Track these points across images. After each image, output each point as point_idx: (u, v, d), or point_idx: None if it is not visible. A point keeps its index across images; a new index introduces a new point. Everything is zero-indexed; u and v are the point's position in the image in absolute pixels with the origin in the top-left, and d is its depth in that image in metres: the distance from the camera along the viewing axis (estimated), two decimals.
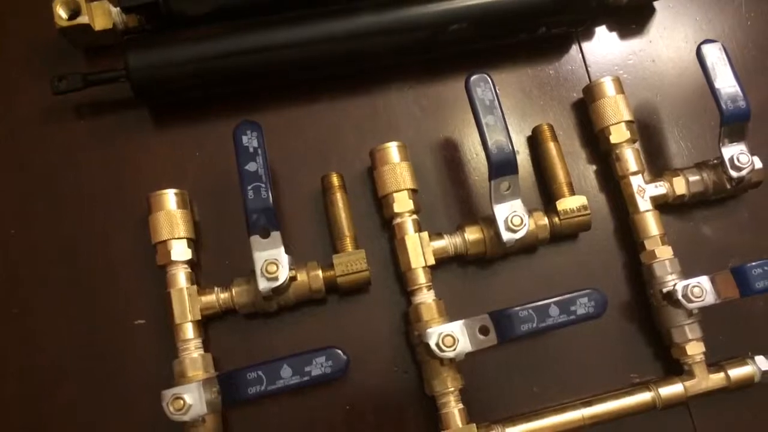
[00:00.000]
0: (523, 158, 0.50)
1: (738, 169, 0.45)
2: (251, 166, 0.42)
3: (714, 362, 0.45)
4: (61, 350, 0.45)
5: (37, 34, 0.50)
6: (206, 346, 0.44)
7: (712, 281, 0.42)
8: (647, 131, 0.51)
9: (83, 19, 0.46)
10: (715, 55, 0.45)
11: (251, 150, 0.42)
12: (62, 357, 0.45)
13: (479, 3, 0.47)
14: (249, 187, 0.42)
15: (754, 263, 0.41)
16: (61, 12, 0.46)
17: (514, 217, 0.43)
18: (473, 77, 0.43)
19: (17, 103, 0.49)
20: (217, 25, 0.47)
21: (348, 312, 0.47)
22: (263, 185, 0.42)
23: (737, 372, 0.44)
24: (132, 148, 0.49)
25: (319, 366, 0.38)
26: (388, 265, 0.48)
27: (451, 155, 0.50)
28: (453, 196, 0.49)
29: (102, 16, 0.47)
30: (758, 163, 0.46)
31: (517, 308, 0.40)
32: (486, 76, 0.43)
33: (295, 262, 0.45)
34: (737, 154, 0.45)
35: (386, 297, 0.47)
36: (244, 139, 0.43)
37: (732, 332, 0.47)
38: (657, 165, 0.50)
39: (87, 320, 0.46)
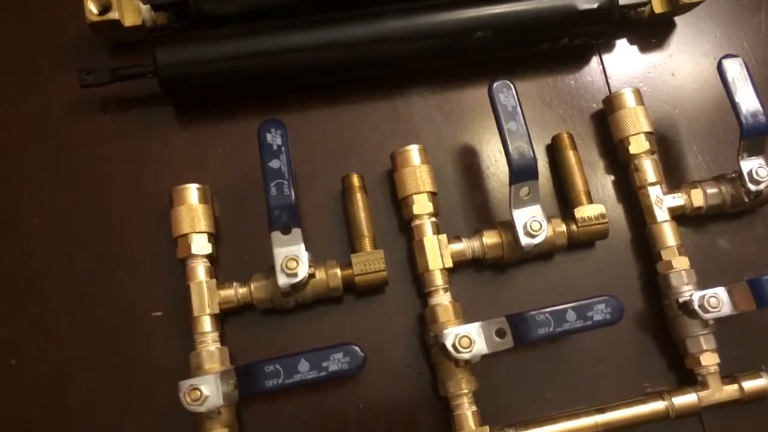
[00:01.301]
0: (542, 166, 0.51)
1: (756, 182, 0.45)
2: (274, 163, 0.43)
3: (728, 374, 0.45)
4: (80, 340, 0.46)
5: (67, 28, 0.51)
6: (223, 339, 0.44)
7: (729, 292, 0.42)
8: (665, 144, 0.52)
9: (113, 14, 0.47)
10: (735, 70, 0.46)
11: (275, 147, 0.43)
12: (80, 346, 0.46)
13: (503, 12, 0.48)
14: (272, 184, 0.42)
15: None
16: (92, 7, 0.47)
17: (533, 222, 0.44)
18: (496, 83, 0.44)
19: (45, 94, 0.50)
20: (244, 25, 0.48)
21: (364, 312, 0.47)
22: (286, 182, 0.42)
23: (751, 384, 0.44)
24: (156, 143, 0.50)
25: (336, 362, 0.39)
26: (404, 267, 0.48)
27: (470, 160, 0.51)
28: (471, 201, 0.50)
29: (132, 13, 0.48)
30: None
31: (535, 312, 0.40)
32: (509, 82, 0.44)
33: (314, 260, 0.45)
34: (756, 167, 0.45)
35: (402, 298, 0.48)
36: (269, 136, 0.43)
37: (747, 344, 0.47)
38: (675, 177, 0.51)
39: (106, 311, 0.46)
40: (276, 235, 0.42)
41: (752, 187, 0.45)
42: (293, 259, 0.42)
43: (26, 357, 0.45)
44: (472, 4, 0.48)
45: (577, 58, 0.53)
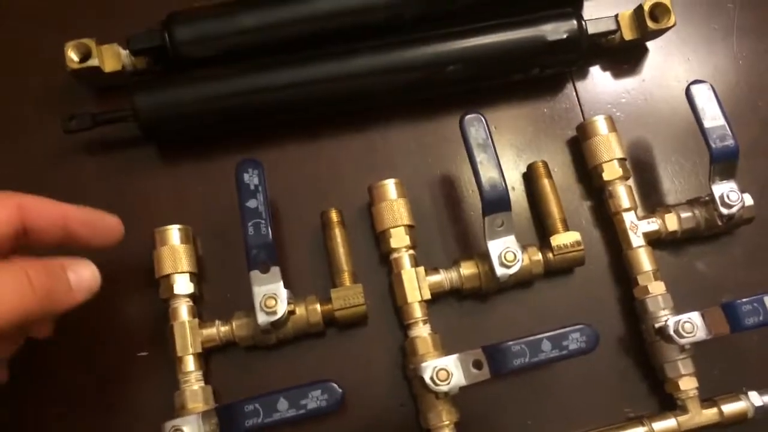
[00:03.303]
0: (519, 194, 0.51)
1: (728, 206, 0.46)
2: (252, 203, 0.43)
3: (708, 398, 0.45)
4: (67, 380, 0.46)
5: (51, 75, 0.52)
6: (207, 378, 0.45)
7: (703, 317, 0.43)
8: (640, 168, 0.52)
9: (93, 62, 0.48)
10: (704, 95, 0.46)
11: (252, 187, 0.44)
12: (69, 387, 0.46)
13: (473, 45, 0.49)
14: (249, 224, 0.43)
15: (744, 300, 0.42)
16: (73, 55, 0.48)
17: (507, 252, 0.44)
18: (467, 117, 0.45)
19: (30, 142, 0.51)
20: (221, 67, 0.49)
21: (347, 345, 0.48)
22: (263, 221, 0.43)
23: (730, 407, 0.44)
24: (138, 185, 0.51)
25: (314, 399, 0.39)
26: (386, 299, 0.49)
27: (448, 192, 0.51)
28: (450, 232, 0.51)
29: (111, 59, 0.49)
30: (749, 200, 0.47)
31: (510, 343, 0.41)
32: (480, 115, 0.45)
33: (295, 297, 0.46)
34: (727, 191, 0.46)
35: (385, 330, 0.48)
36: (246, 176, 0.44)
37: (726, 368, 0.48)
38: (650, 201, 0.51)
39: (93, 351, 0.47)
40: (255, 274, 0.43)
41: (724, 210, 0.46)
42: (272, 297, 0.42)
43: (8, 396, 0.46)
44: (443, 40, 0.49)
45: (551, 87, 0.54)
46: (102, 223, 0.41)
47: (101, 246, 0.41)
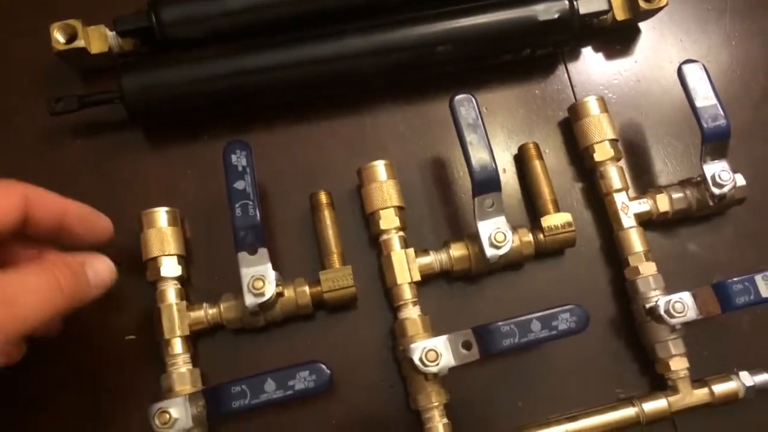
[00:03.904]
0: (510, 176, 0.51)
1: (720, 186, 0.45)
2: (239, 185, 0.43)
3: (699, 378, 0.45)
4: (56, 364, 0.46)
5: (36, 57, 0.51)
6: (195, 361, 0.44)
7: (694, 297, 0.43)
8: (632, 149, 0.52)
9: (80, 43, 0.47)
10: (696, 75, 0.46)
11: (240, 168, 0.43)
12: (57, 372, 0.46)
13: (463, 26, 0.48)
14: (237, 205, 0.43)
15: (735, 279, 0.42)
16: (59, 36, 0.47)
17: (497, 233, 0.44)
18: (457, 97, 0.44)
19: (16, 124, 0.51)
20: (209, 48, 0.49)
21: (336, 327, 0.48)
22: (251, 203, 0.43)
23: (721, 387, 0.44)
24: (126, 167, 0.50)
25: (302, 380, 0.39)
26: (376, 281, 0.48)
27: (438, 173, 0.51)
28: (441, 214, 0.50)
29: (98, 40, 0.49)
30: (741, 181, 0.47)
31: (500, 323, 0.41)
32: (470, 96, 0.44)
33: (283, 279, 0.45)
34: (719, 171, 0.45)
35: (374, 312, 0.48)
36: (233, 158, 0.44)
37: (717, 348, 0.47)
38: (642, 182, 0.51)
39: (81, 335, 0.47)
40: (242, 256, 0.42)
41: (716, 190, 0.45)
42: (259, 279, 0.42)
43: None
44: (433, 20, 0.49)
45: (543, 68, 0.54)
46: (97, 222, 0.42)
47: (91, 243, 0.41)
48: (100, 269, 0.39)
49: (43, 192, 0.39)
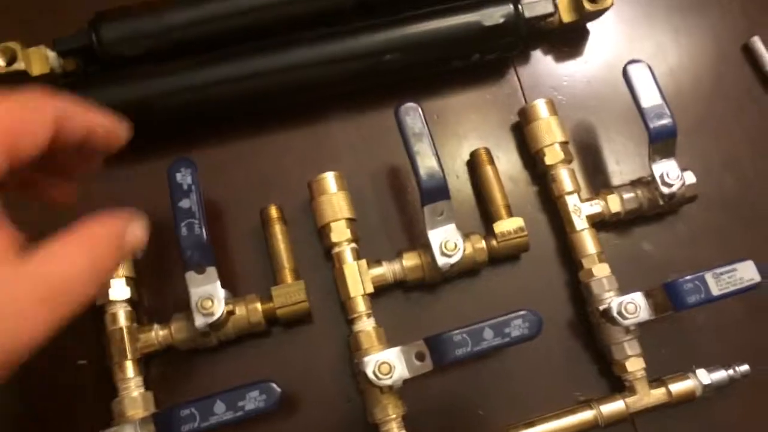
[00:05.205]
0: (464, 182, 0.51)
1: (668, 185, 0.45)
2: (185, 203, 0.42)
3: (656, 378, 0.45)
4: (6, 393, 0.45)
5: None
6: (148, 383, 0.44)
7: (647, 297, 0.42)
8: (585, 151, 0.52)
9: (20, 65, 0.47)
10: (640, 75, 0.46)
11: (185, 187, 0.43)
12: (10, 400, 0.45)
13: (410, 33, 0.48)
14: (183, 224, 0.42)
15: (687, 277, 0.41)
16: None
17: (448, 242, 0.44)
18: (402, 107, 0.44)
19: None
20: (153, 65, 0.48)
21: (293, 343, 0.47)
22: (197, 221, 0.42)
23: (678, 386, 0.44)
24: None
25: (252, 400, 0.38)
26: (332, 295, 0.48)
27: (392, 182, 0.51)
28: (395, 224, 0.50)
29: (39, 62, 0.48)
30: (690, 179, 0.47)
31: (452, 332, 0.40)
32: (415, 105, 0.44)
33: (235, 296, 0.45)
34: (667, 170, 0.45)
35: (331, 326, 0.48)
36: (178, 176, 0.43)
37: (674, 347, 0.48)
38: (596, 183, 0.51)
39: (30, 360, 0.46)
40: (190, 276, 0.42)
41: (665, 190, 0.45)
42: (208, 299, 0.41)
43: None
44: (380, 29, 0.48)
45: (493, 72, 0.53)
46: (118, 135, 0.36)
47: (105, 151, 0.36)
48: (139, 234, 0.34)
49: (74, 107, 0.33)
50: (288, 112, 0.52)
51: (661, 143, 0.45)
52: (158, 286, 0.47)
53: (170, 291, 0.47)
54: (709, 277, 0.41)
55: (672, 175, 0.45)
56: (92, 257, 0.30)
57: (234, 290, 0.46)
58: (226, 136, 0.51)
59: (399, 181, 0.51)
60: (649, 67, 0.46)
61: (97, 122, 0.34)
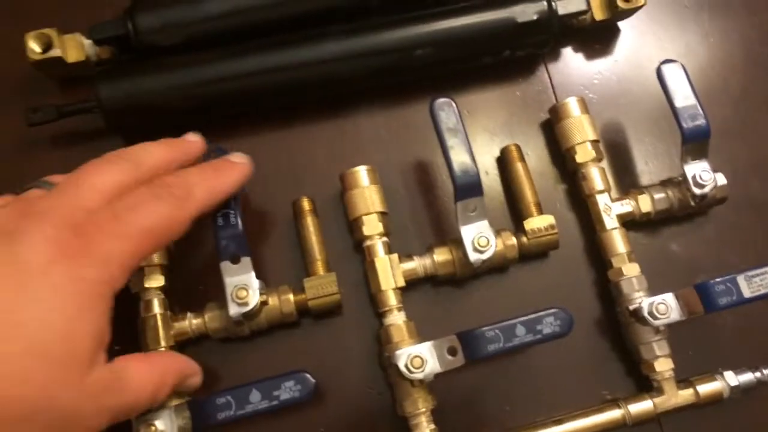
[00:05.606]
0: (493, 179, 0.51)
1: (700, 186, 0.45)
2: None
3: (683, 378, 0.45)
4: None
5: (12, 67, 0.50)
6: None
7: (677, 298, 0.43)
8: (614, 150, 0.52)
9: (55, 52, 0.47)
10: (675, 75, 0.46)
11: None
12: None
13: (441, 29, 0.48)
14: (219, 214, 0.42)
15: (718, 279, 0.42)
16: (34, 46, 0.47)
17: (480, 238, 0.44)
18: (437, 102, 0.44)
19: None
20: (188, 54, 0.48)
21: (322, 334, 0.48)
22: (232, 212, 0.42)
23: (706, 388, 0.44)
24: None
25: (287, 390, 0.39)
26: (361, 287, 0.48)
27: (421, 178, 0.51)
28: (425, 218, 0.50)
29: (74, 49, 0.48)
30: (721, 180, 0.47)
31: (485, 328, 0.41)
32: (449, 100, 0.44)
33: (268, 287, 0.45)
34: (699, 171, 0.46)
35: (360, 319, 0.48)
36: None
37: (702, 348, 0.48)
38: (624, 183, 0.51)
39: None
40: (225, 265, 0.42)
41: (697, 191, 0.46)
42: (243, 288, 0.42)
43: None
44: (410, 23, 0.48)
45: (524, 69, 0.54)
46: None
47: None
48: (195, 385, 0.42)
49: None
50: (318, 105, 0.52)
51: (694, 144, 0.45)
52: (190, 275, 0.48)
53: (202, 280, 0.48)
54: (740, 279, 0.42)
55: (705, 176, 0.45)
56: (157, 385, 0.37)
57: (265, 281, 0.46)
58: (255, 127, 0.51)
59: (427, 176, 0.51)
60: (683, 67, 0.46)
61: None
